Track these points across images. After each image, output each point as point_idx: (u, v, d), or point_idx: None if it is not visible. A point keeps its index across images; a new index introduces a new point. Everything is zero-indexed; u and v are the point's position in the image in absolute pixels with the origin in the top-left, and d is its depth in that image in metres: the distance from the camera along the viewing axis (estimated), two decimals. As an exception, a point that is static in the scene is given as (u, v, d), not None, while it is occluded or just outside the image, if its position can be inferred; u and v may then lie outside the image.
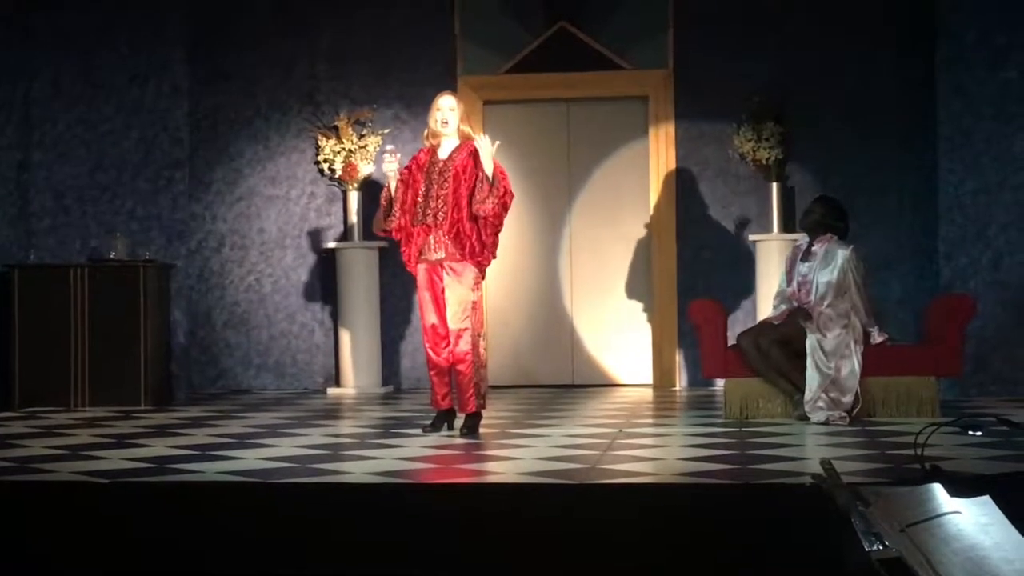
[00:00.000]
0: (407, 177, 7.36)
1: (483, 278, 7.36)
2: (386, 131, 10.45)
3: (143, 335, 9.24)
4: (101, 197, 9.78)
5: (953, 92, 9.46)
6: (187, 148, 9.92)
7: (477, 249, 7.20)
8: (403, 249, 7.41)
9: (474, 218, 7.19)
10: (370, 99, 10.55)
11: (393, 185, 7.36)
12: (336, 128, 10.44)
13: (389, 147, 7.46)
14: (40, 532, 4.65)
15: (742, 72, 10.26)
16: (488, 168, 7.14)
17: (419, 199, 7.27)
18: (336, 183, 10.56)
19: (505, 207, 7.22)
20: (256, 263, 10.83)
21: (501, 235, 7.46)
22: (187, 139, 9.92)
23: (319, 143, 10.50)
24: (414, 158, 7.44)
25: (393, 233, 7.40)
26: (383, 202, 7.42)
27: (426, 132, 7.41)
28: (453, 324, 7.20)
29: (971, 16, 9.42)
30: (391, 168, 7.34)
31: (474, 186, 7.17)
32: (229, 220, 10.85)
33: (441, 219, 7.17)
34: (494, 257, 7.40)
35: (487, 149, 7.16)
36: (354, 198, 10.42)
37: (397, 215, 7.31)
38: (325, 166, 10.48)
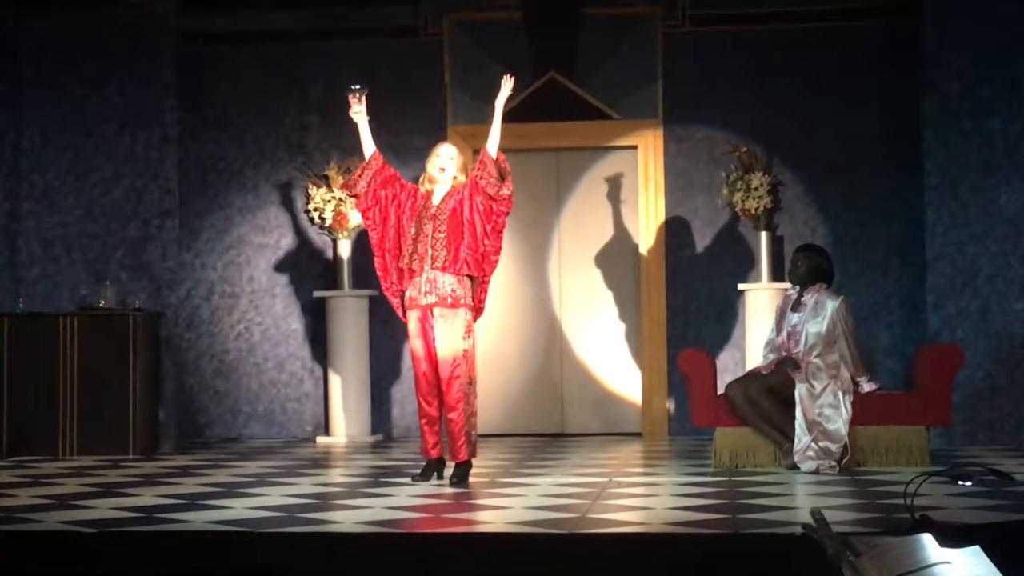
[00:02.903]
0: (393, 202, 7.36)
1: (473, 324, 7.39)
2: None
3: (132, 383, 9.22)
4: (91, 246, 9.79)
5: (939, 144, 9.53)
6: (177, 197, 9.94)
7: (479, 275, 7.26)
8: (384, 284, 7.43)
9: (476, 254, 7.22)
10: (359, 148, 10.63)
11: (364, 129, 7.43)
12: (326, 177, 10.47)
13: (356, 86, 7.37)
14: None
15: (731, 123, 10.34)
16: (501, 104, 7.29)
17: (407, 243, 7.29)
18: (326, 232, 10.58)
19: (511, 195, 7.27)
20: (246, 311, 10.83)
21: (491, 283, 7.51)
22: (177, 188, 9.93)
23: (309, 192, 10.52)
24: (415, 188, 7.43)
25: (362, 210, 7.46)
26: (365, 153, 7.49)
27: (423, 177, 7.45)
28: (444, 373, 7.20)
29: (955, 69, 9.50)
30: (359, 113, 7.38)
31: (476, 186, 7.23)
32: (219, 268, 10.87)
33: (440, 262, 7.17)
34: (483, 306, 7.45)
35: (507, 88, 7.33)
36: (344, 247, 10.44)
37: (365, 184, 7.35)
38: (315, 215, 10.49)
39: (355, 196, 7.54)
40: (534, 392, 10.74)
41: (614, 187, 10.70)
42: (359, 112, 7.40)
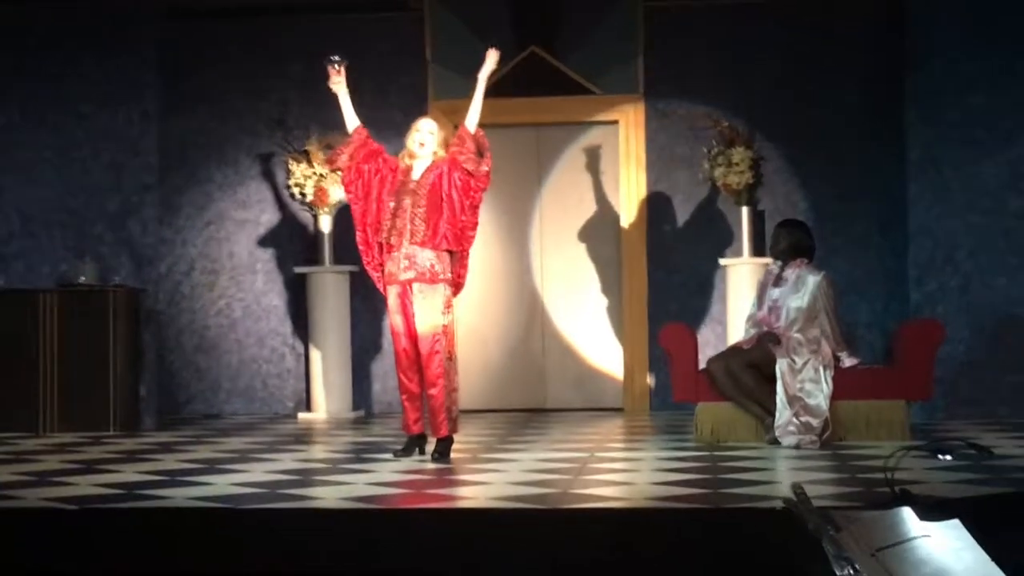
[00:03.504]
0: (376, 176, 7.33)
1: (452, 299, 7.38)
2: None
3: (112, 360, 9.19)
4: (70, 222, 9.74)
5: (921, 118, 9.54)
6: (157, 173, 9.90)
7: (457, 250, 7.24)
8: (366, 259, 7.40)
9: (455, 229, 7.19)
10: (340, 124, 10.59)
11: (345, 101, 7.40)
12: (307, 152, 10.43)
13: (335, 57, 7.34)
14: (7, 560, 4.61)
15: (712, 98, 10.33)
16: (484, 76, 7.29)
17: (386, 217, 7.26)
18: (307, 207, 10.55)
19: (489, 171, 7.25)
20: (226, 287, 10.80)
21: (472, 259, 7.50)
22: (157, 164, 9.90)
23: (289, 167, 10.49)
24: (397, 163, 7.38)
25: (344, 183, 7.43)
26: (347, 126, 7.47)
27: (403, 153, 7.42)
28: (424, 348, 7.19)
29: (939, 44, 9.51)
30: (339, 83, 7.36)
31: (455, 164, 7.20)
32: (199, 244, 10.83)
33: (419, 237, 7.15)
34: (464, 281, 7.43)
35: (492, 60, 7.33)
36: (325, 222, 10.41)
37: (347, 158, 7.33)
38: (296, 190, 10.45)
39: (338, 170, 7.51)
40: (516, 367, 10.74)
41: (594, 160, 10.69)
42: (339, 83, 7.37)
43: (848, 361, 7.96)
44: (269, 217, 10.79)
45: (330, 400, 10.30)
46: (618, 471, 6.66)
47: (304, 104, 10.66)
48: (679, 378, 8.16)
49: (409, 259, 7.17)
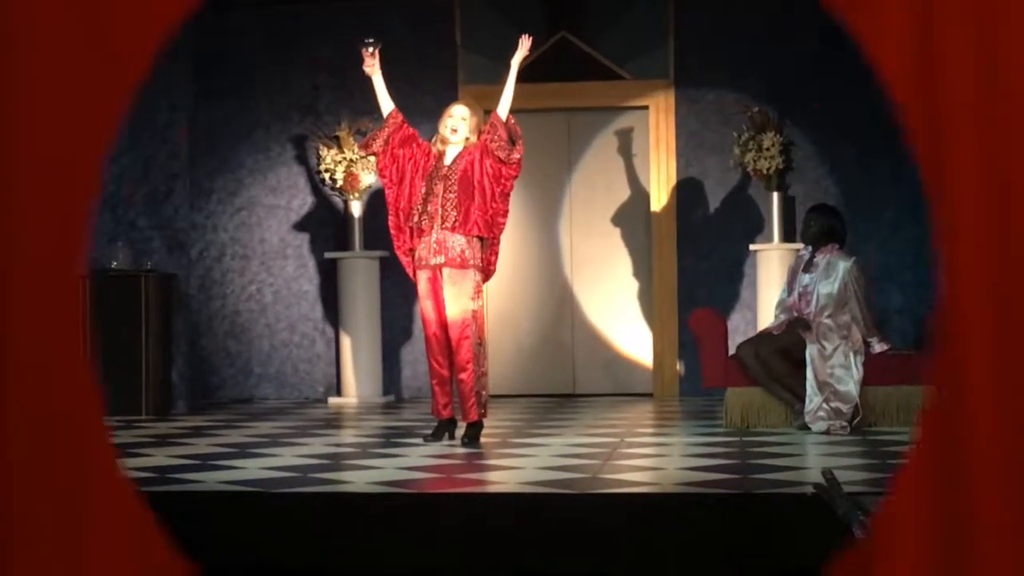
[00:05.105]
0: (410, 161, 7.33)
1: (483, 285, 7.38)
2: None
3: (144, 345, 9.24)
4: (102, 207, 9.78)
5: (953, 102, 9.46)
6: (188, 158, 9.92)
7: (488, 237, 7.24)
8: (397, 243, 7.41)
9: (486, 216, 7.19)
10: (371, 108, 10.59)
11: (379, 84, 7.40)
12: (337, 138, 10.46)
13: (369, 39, 7.33)
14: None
15: (743, 83, 10.29)
16: (517, 63, 7.27)
17: (418, 202, 7.27)
18: (337, 192, 10.57)
19: (520, 159, 7.23)
20: (257, 273, 10.84)
21: (503, 245, 7.50)
22: (188, 149, 9.91)
23: (320, 153, 10.51)
24: (428, 147, 7.39)
25: (379, 169, 7.43)
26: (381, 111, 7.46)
27: (435, 138, 7.42)
28: (454, 334, 7.20)
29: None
30: (372, 67, 7.36)
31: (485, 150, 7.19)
32: (230, 230, 10.87)
33: (450, 223, 7.15)
34: (494, 268, 7.44)
35: (525, 48, 7.30)
36: (355, 207, 10.44)
37: (383, 143, 7.32)
38: (326, 176, 10.48)
39: (373, 154, 7.51)
40: (545, 353, 10.75)
41: (625, 144, 10.67)
42: (373, 66, 7.37)
43: (878, 347, 7.94)
44: (300, 202, 10.82)
45: (360, 385, 10.33)
46: (647, 456, 6.66)
47: (334, 89, 10.68)
48: (709, 364, 8.15)
49: (440, 244, 7.18)
